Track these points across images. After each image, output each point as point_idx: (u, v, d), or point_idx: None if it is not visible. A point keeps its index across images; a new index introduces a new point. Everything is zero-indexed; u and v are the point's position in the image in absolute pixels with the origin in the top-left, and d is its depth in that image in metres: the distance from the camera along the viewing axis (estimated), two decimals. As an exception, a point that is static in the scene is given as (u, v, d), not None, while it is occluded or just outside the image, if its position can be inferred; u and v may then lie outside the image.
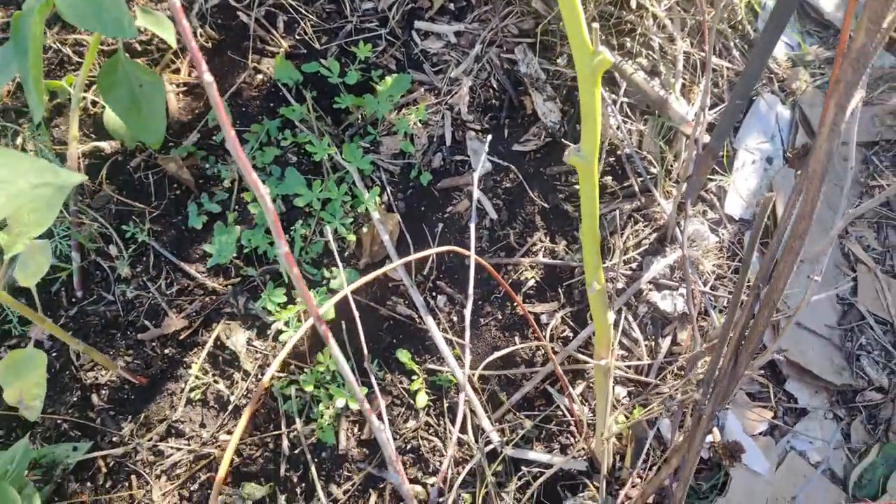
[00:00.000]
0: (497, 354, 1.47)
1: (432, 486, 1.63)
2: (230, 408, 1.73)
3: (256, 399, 1.08)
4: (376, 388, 1.08)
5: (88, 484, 1.69)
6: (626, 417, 1.65)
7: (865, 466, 1.67)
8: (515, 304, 1.76)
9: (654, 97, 1.77)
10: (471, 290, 1.11)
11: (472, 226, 1.01)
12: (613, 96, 1.87)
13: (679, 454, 1.39)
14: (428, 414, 1.70)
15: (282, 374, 1.74)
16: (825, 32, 2.15)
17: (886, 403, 1.73)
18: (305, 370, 1.73)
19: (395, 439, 1.67)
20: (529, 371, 1.70)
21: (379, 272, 1.06)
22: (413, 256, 1.15)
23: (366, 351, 1.05)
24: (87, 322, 1.80)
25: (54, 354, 1.79)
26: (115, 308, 1.82)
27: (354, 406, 1.64)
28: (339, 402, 1.63)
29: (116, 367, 1.62)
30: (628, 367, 1.67)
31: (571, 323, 1.74)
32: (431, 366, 1.74)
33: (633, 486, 1.62)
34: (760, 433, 1.63)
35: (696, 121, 1.48)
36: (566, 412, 1.66)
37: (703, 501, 1.56)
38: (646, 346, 1.69)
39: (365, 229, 1.85)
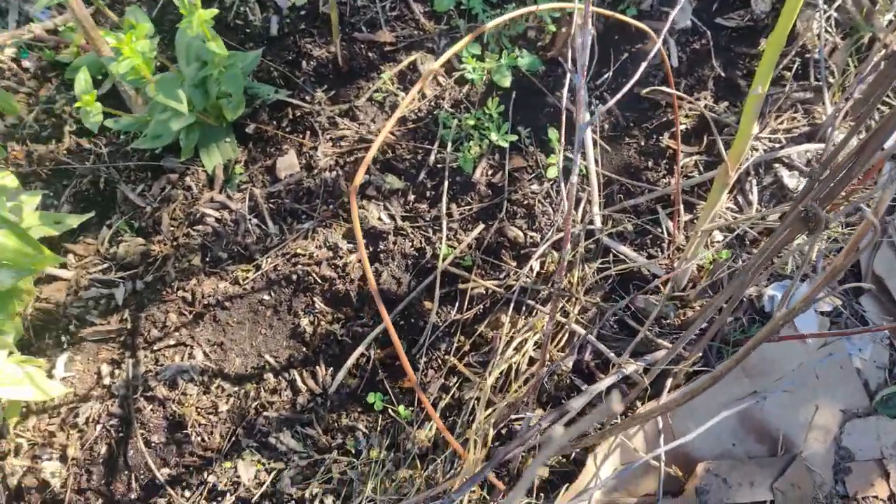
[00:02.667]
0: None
1: (530, 238, 1.91)
2: (398, 116, 2.06)
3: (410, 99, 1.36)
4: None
5: (275, 122, 2.07)
6: (713, 257, 1.87)
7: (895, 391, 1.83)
8: (663, 137, 1.99)
9: (865, 4, 1.93)
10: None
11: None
12: (825, 6, 2.04)
13: (758, 257, 1.60)
14: (552, 186, 1.97)
15: (452, 109, 2.05)
16: None
17: (943, 358, 1.86)
18: (472, 111, 2.03)
19: (515, 193, 1.95)
20: (649, 187, 1.93)
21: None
22: None
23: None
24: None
25: (287, 19, 2.17)
26: (343, 7, 2.18)
27: (503, 143, 1.93)
28: (493, 137, 1.92)
29: (339, 33, 1.97)
30: (735, 217, 1.89)
31: (702, 168, 1.96)
32: (570, 155, 2.00)
33: (693, 310, 1.85)
34: (823, 312, 1.81)
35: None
36: (665, 231, 1.90)
37: (742, 335, 1.77)
38: (756, 210, 1.89)
39: (563, 29, 2.11)
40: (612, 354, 1.74)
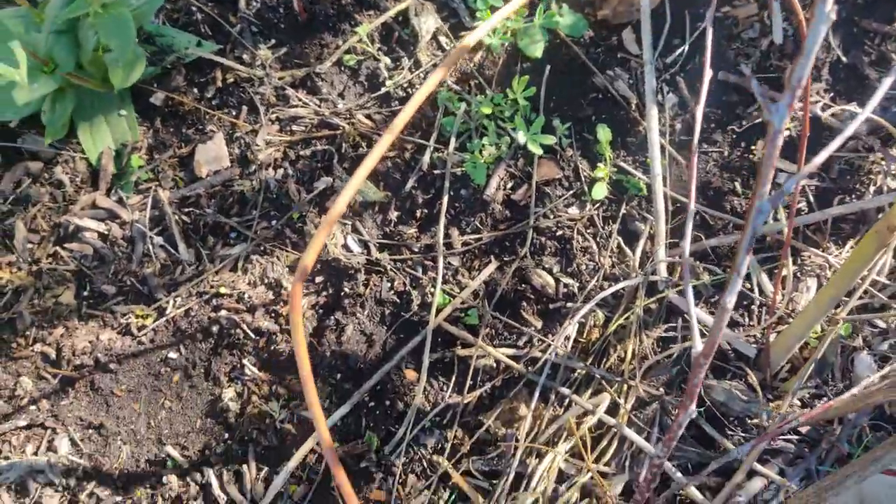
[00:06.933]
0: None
1: (565, 287, 1.32)
2: (380, 92, 1.41)
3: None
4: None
5: (195, 89, 1.40)
6: (821, 329, 1.31)
7: None
8: (752, 147, 1.39)
9: None
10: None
11: None
12: None
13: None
14: (598, 211, 1.36)
15: (458, 87, 1.41)
16: None
17: None
18: (487, 92, 1.39)
19: (545, 218, 1.34)
20: (737, 220, 1.34)
21: None
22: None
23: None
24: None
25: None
26: (306, -78, 1.49)
27: (535, 148, 1.30)
28: (520, 137, 1.30)
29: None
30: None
31: (811, 197, 1.37)
32: (624, 164, 1.39)
33: (790, 405, 1.30)
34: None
35: None
36: (757, 288, 1.32)
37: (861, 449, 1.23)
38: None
39: (622, -21, 1.47)
40: (680, 475, 1.18)
